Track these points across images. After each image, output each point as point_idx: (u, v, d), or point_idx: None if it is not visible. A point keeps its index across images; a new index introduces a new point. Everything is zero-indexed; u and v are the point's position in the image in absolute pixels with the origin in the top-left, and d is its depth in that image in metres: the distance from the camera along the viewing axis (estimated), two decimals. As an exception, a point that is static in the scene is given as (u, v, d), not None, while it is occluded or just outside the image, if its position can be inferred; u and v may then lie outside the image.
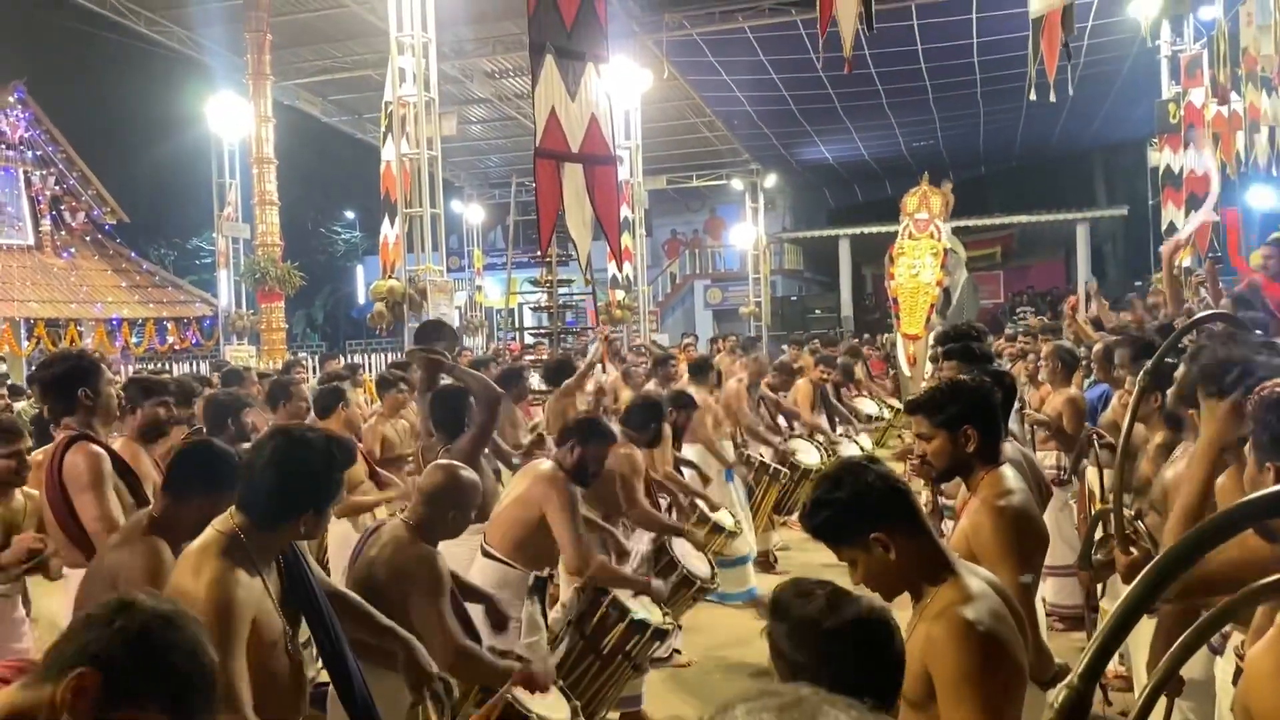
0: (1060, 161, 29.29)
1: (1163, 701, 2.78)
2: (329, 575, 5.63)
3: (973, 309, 17.54)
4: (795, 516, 7.62)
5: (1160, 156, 15.47)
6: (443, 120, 13.24)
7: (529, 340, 14.61)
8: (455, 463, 3.59)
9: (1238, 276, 7.03)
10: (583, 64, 8.22)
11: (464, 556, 4.19)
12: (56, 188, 19.48)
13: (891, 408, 11.80)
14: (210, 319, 19.62)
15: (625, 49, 16.09)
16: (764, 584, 7.64)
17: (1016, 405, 6.24)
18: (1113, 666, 4.76)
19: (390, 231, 12.40)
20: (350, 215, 41.52)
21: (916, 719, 2.03)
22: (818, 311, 27.94)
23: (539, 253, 11.57)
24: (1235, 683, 2.43)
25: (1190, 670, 2.93)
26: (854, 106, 21.72)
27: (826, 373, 9.93)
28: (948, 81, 20.02)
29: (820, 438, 8.95)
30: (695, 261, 32.05)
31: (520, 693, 3.22)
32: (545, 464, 4.43)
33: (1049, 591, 5.85)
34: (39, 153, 19.17)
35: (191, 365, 18.19)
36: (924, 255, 12.93)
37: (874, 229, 25.36)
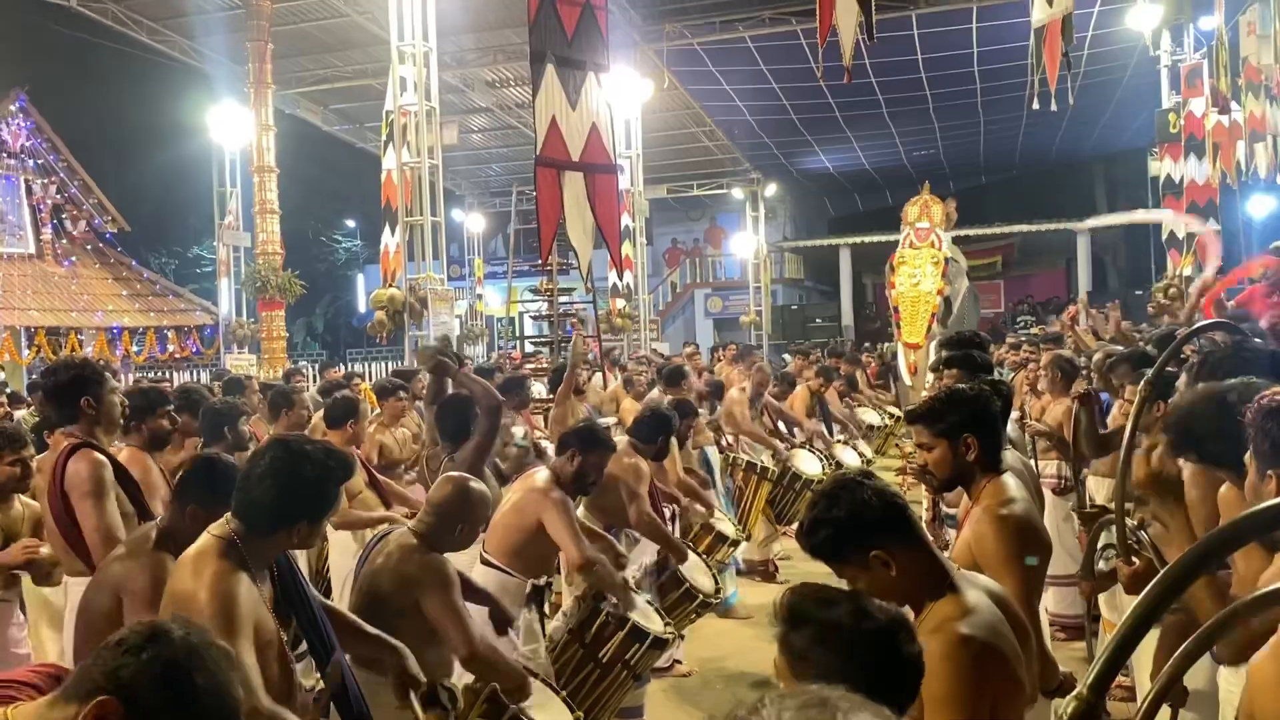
0: (1061, 171, 29.34)
1: (1167, 712, 2.76)
2: (329, 584, 5.64)
3: (973, 318, 17.53)
4: (795, 526, 7.59)
5: (1160, 166, 15.51)
6: (444, 129, 13.25)
7: (530, 349, 14.60)
8: (467, 475, 3.58)
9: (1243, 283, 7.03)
10: (583, 73, 8.24)
11: (464, 564, 4.18)
12: (58, 196, 19.51)
13: (892, 416, 11.80)
14: (211, 328, 19.62)
15: (626, 58, 16.13)
16: (762, 592, 7.63)
17: (1016, 414, 6.24)
18: (1122, 678, 4.75)
19: (391, 240, 12.40)
20: (351, 224, 41.57)
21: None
22: (818, 320, 27.93)
23: (540, 261, 11.59)
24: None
25: (1194, 681, 2.92)
26: (854, 116, 21.76)
27: (825, 381, 9.96)
28: (948, 91, 20.06)
29: (820, 444, 8.95)
30: (696, 270, 32.07)
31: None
32: (541, 473, 4.43)
33: (1050, 601, 5.83)
34: (40, 161, 19.19)
35: (192, 374, 18.20)
36: (925, 264, 12.92)
37: (875, 238, 25.38)
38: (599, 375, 10.66)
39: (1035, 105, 9.88)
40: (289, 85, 19.01)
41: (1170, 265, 15.08)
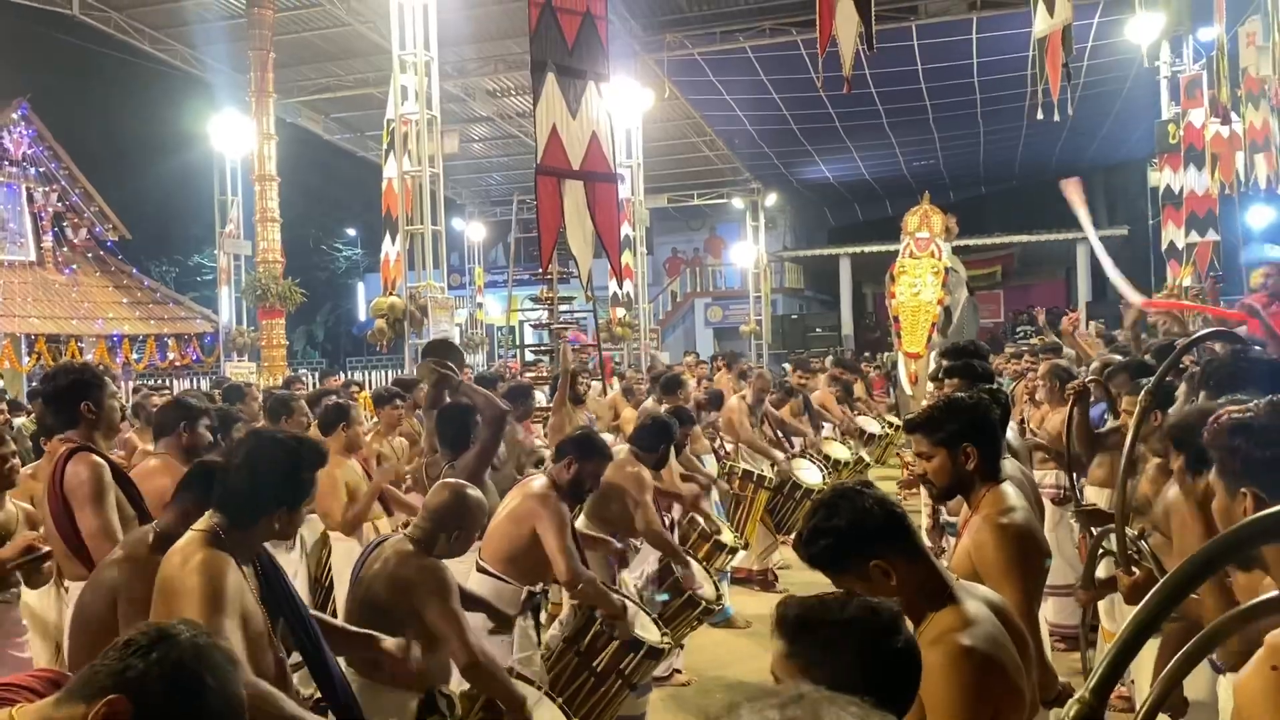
0: (1060, 181, 29.34)
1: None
2: (333, 593, 5.62)
3: (973, 328, 17.53)
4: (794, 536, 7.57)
5: (1160, 176, 15.54)
6: (444, 138, 13.28)
7: (529, 357, 14.61)
8: (463, 482, 3.58)
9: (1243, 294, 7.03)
10: (584, 82, 8.28)
11: (460, 572, 4.17)
12: (59, 204, 19.52)
13: (892, 425, 11.79)
14: (211, 335, 19.62)
15: (627, 68, 16.18)
16: (761, 601, 7.61)
17: (1016, 423, 6.23)
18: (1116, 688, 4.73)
19: (391, 249, 12.42)
20: (351, 232, 41.61)
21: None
22: (818, 330, 27.94)
23: (540, 270, 11.59)
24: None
25: (1194, 691, 2.91)
26: (854, 126, 21.80)
27: (805, 377, 9.98)
28: (948, 101, 20.10)
29: (810, 449, 8.99)
30: (696, 279, 32.11)
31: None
32: (538, 480, 4.43)
33: (1050, 611, 5.82)
34: (42, 169, 19.21)
35: (192, 382, 18.18)
36: (925, 274, 12.92)
37: (874, 248, 25.41)
38: (596, 384, 10.66)
39: (1039, 115, 9.91)
40: (290, 94, 19.06)
41: (1170, 275, 15.09)
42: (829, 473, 8.71)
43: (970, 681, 1.93)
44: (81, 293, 19.25)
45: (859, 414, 12.05)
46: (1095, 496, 5.33)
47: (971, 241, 24.70)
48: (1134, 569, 2.99)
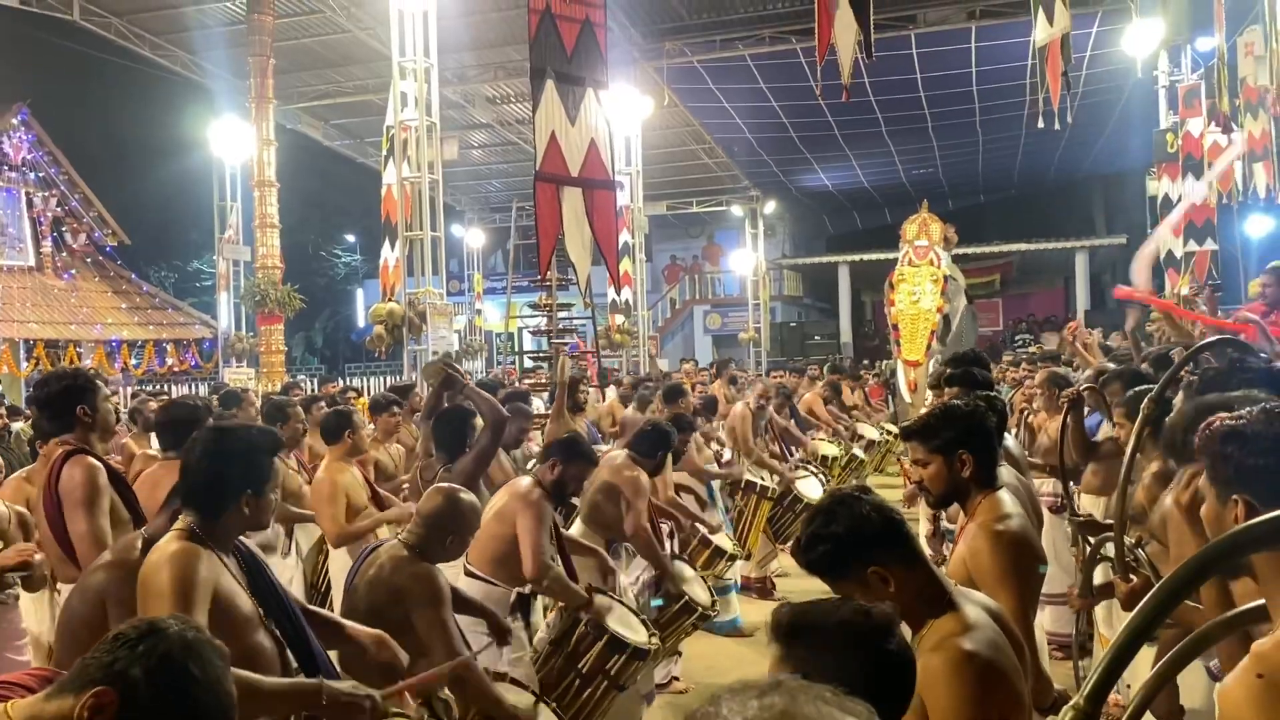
0: (1059, 190, 29.43)
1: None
2: (329, 598, 5.59)
3: (972, 336, 17.54)
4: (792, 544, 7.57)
5: (1159, 186, 15.55)
6: (444, 145, 13.28)
7: (528, 364, 14.61)
8: (456, 486, 3.58)
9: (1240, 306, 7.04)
10: (582, 89, 8.29)
11: (450, 577, 4.18)
12: (58, 209, 19.54)
13: (890, 432, 11.81)
14: (210, 341, 19.61)
15: (626, 76, 16.20)
16: (759, 609, 7.60)
17: (1015, 433, 6.22)
18: (1112, 696, 4.72)
19: (390, 255, 12.41)
20: (351, 238, 41.64)
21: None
22: (817, 338, 27.94)
23: (539, 276, 11.60)
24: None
25: (1191, 699, 2.91)
26: (853, 134, 21.83)
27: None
28: (947, 110, 20.13)
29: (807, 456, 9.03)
30: (695, 287, 32.13)
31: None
32: (525, 480, 4.45)
33: (1048, 619, 5.80)
34: (41, 174, 19.23)
35: (190, 387, 18.17)
36: (924, 282, 12.95)
37: (873, 256, 25.42)
38: (593, 390, 10.67)
39: (1040, 124, 9.94)
40: (290, 100, 19.07)
41: (1168, 285, 15.10)
42: (826, 478, 8.73)
43: (972, 686, 1.93)
44: (80, 298, 19.25)
45: (857, 420, 12.07)
46: (1090, 505, 5.34)
47: (970, 250, 24.74)
48: (1131, 577, 2.99)
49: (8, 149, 18.55)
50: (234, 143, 16.73)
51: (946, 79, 18.12)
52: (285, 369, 16.26)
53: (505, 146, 23.48)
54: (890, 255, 14.67)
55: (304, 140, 22.03)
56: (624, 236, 15.84)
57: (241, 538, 2.79)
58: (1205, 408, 2.71)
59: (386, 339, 11.90)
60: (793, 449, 9.23)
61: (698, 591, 5.29)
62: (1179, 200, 14.43)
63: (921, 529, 6.52)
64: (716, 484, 7.59)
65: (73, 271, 19.63)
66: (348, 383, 17.73)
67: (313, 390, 13.32)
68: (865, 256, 27.20)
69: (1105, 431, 5.21)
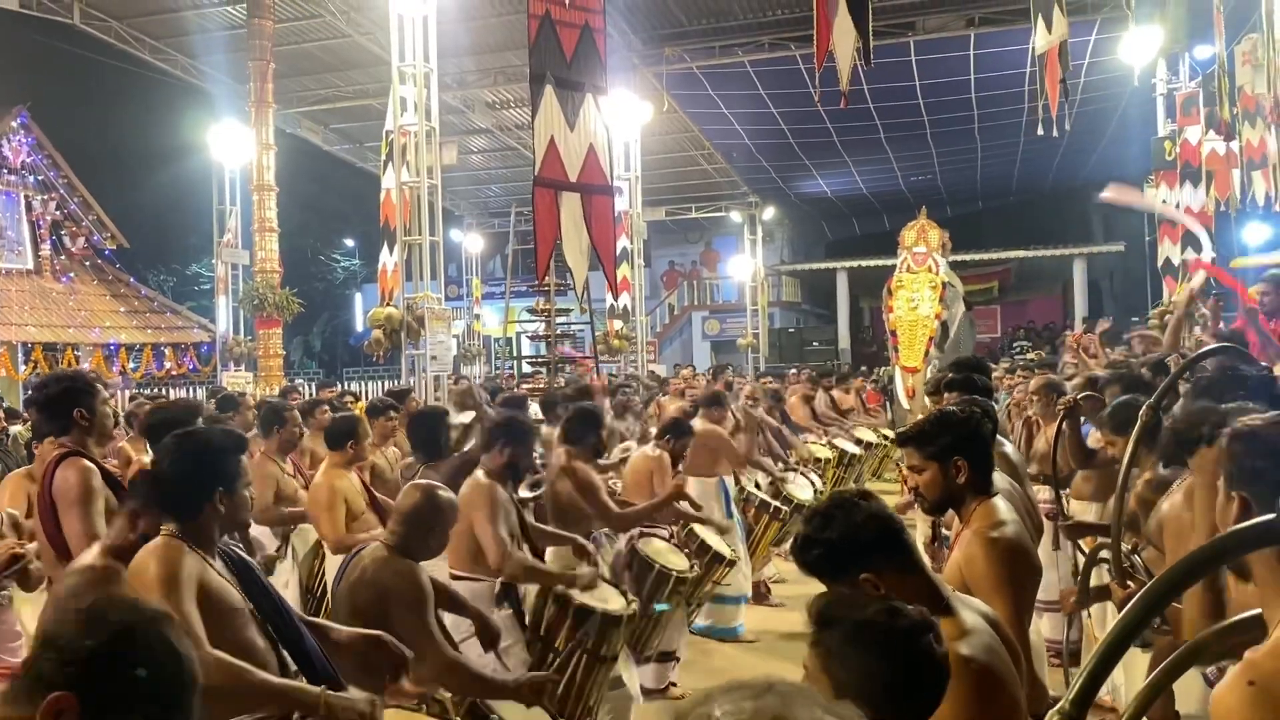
0: (1057, 197, 29.47)
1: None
2: (325, 602, 5.58)
3: (969, 343, 17.57)
4: (787, 546, 7.61)
5: (1156, 193, 15.57)
6: (443, 149, 13.28)
7: (526, 369, 14.61)
8: (433, 482, 3.57)
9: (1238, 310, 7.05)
10: (581, 94, 8.32)
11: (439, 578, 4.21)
12: (57, 212, 19.53)
13: (887, 437, 11.82)
14: (208, 345, 19.60)
15: (626, 81, 16.22)
16: (755, 615, 7.60)
17: (1014, 439, 6.22)
18: (1105, 698, 4.72)
19: (389, 259, 12.40)
20: (349, 243, 41.65)
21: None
22: (815, 344, 27.94)
23: (537, 281, 11.61)
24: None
25: (1186, 706, 2.91)
26: (852, 141, 21.86)
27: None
28: (945, 117, 20.16)
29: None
30: (693, 292, 32.14)
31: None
32: (476, 473, 4.47)
33: (1045, 626, 5.80)
34: (40, 177, 19.23)
35: (188, 391, 18.16)
36: (922, 289, 12.97)
37: (872, 262, 25.44)
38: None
39: (1040, 131, 9.97)
40: (290, 104, 19.09)
41: (1166, 292, 15.12)
42: (819, 484, 8.77)
43: (970, 691, 1.93)
44: (79, 301, 19.24)
45: (856, 426, 12.07)
46: (1080, 511, 5.34)
47: (968, 257, 24.76)
48: (1129, 583, 2.99)
49: (7, 152, 18.55)
50: (233, 147, 16.74)
51: (945, 86, 18.15)
52: (283, 373, 16.26)
53: (504, 152, 23.50)
54: (889, 262, 14.70)
55: (303, 145, 22.05)
56: (622, 242, 15.85)
57: (232, 545, 2.81)
58: (1196, 414, 2.72)
59: (385, 343, 11.89)
60: (786, 453, 9.29)
61: (672, 559, 5.35)
62: (1177, 208, 14.46)
63: (919, 535, 6.52)
64: (733, 493, 7.57)
65: (71, 275, 19.62)
66: (345, 387, 17.73)
67: (312, 394, 13.32)
68: (864, 263, 27.23)
69: (1094, 438, 5.22)
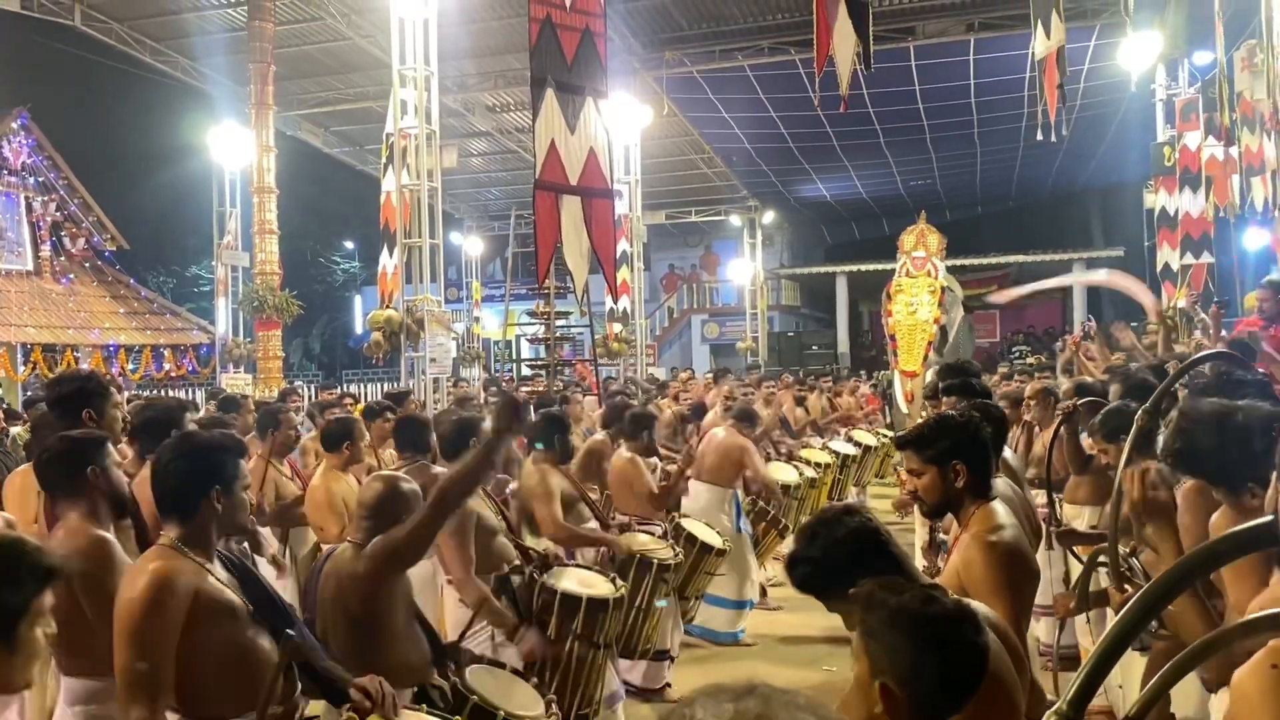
0: (1056, 202, 29.50)
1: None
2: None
3: (968, 347, 17.59)
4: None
5: (1155, 198, 15.60)
6: (443, 152, 13.29)
7: (526, 372, 14.61)
8: (394, 473, 3.52)
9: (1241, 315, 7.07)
10: (582, 98, 8.32)
11: (429, 586, 4.27)
12: (57, 214, 19.54)
13: (888, 438, 11.83)
14: (207, 347, 19.60)
15: (626, 85, 16.24)
16: (753, 617, 7.57)
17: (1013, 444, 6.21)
18: (1099, 701, 4.73)
19: (389, 262, 12.42)
20: (349, 245, 41.65)
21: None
22: (815, 347, 27.94)
23: (537, 284, 11.61)
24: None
25: (1185, 709, 2.92)
26: (852, 145, 21.88)
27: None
28: (945, 122, 20.18)
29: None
30: (693, 296, 32.15)
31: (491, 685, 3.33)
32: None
33: (1042, 631, 5.81)
34: (40, 179, 19.24)
35: (188, 393, 18.16)
36: (922, 293, 12.97)
37: (871, 266, 25.47)
38: (590, 398, 10.67)
39: (1039, 136, 9.98)
40: (290, 107, 19.10)
41: (1164, 297, 15.13)
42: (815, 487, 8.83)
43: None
44: (78, 302, 19.24)
45: (854, 428, 12.09)
46: (1072, 515, 5.35)
47: (968, 261, 24.79)
48: (1126, 586, 3.00)
49: (7, 153, 18.56)
50: (234, 149, 16.75)
51: (945, 91, 18.18)
52: (283, 375, 16.27)
53: (504, 155, 23.52)
54: (888, 266, 14.70)
55: (304, 147, 22.06)
56: (622, 245, 15.87)
57: (233, 546, 2.82)
58: (1192, 415, 2.72)
59: (384, 346, 11.90)
60: (778, 449, 9.36)
61: (657, 549, 5.36)
62: (1176, 213, 14.49)
63: (917, 539, 6.52)
64: (744, 502, 7.54)
65: (71, 276, 19.62)
66: (345, 389, 17.71)
67: (312, 396, 13.32)
68: (863, 267, 27.25)
69: (1088, 443, 5.23)
